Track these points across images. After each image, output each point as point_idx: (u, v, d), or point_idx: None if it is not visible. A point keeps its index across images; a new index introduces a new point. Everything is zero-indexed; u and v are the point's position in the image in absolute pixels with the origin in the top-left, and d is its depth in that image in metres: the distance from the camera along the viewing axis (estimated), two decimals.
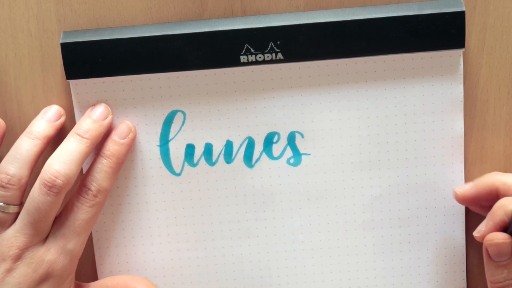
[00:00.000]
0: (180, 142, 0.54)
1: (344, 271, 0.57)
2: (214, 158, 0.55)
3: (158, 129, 0.54)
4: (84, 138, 0.51)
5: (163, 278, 0.57)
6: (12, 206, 0.50)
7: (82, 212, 0.51)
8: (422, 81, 0.53)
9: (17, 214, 0.51)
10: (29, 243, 0.50)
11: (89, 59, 0.52)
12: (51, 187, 0.49)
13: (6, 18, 0.52)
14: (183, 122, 0.54)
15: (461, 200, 0.53)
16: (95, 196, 0.52)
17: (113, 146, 0.53)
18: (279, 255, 0.57)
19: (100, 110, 0.53)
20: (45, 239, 0.51)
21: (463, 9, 0.52)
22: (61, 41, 0.52)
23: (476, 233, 0.51)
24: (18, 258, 0.50)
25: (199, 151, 0.55)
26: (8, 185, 0.50)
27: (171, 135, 0.54)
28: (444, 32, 0.52)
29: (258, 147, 0.55)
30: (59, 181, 0.49)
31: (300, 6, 0.53)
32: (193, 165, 0.55)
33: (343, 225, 0.56)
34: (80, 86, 0.53)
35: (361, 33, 0.52)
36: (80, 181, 0.52)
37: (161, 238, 0.56)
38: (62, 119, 0.53)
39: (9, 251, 0.50)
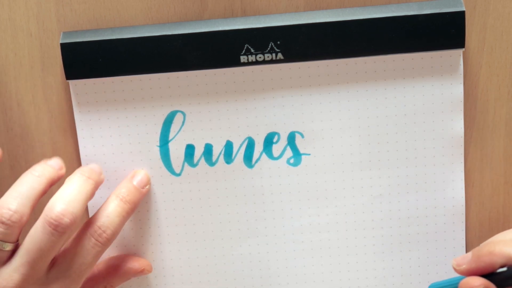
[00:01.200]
0: (180, 142, 0.54)
1: (344, 271, 0.57)
2: (214, 158, 0.55)
3: (158, 129, 0.54)
4: (88, 178, 0.50)
5: (163, 278, 0.57)
6: (9, 243, 0.48)
7: (91, 255, 0.49)
8: (422, 81, 0.53)
9: (12, 252, 0.48)
10: (25, 283, 0.48)
11: (89, 59, 0.52)
12: (56, 226, 0.47)
13: (6, 18, 0.52)
14: (183, 123, 0.54)
15: (460, 273, 0.50)
16: (109, 240, 0.50)
17: (134, 193, 0.52)
18: (279, 255, 0.57)
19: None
20: (45, 277, 0.49)
21: (463, 9, 0.52)
22: (61, 41, 0.52)
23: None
24: None
25: (199, 151, 0.55)
26: (9, 222, 0.47)
27: (171, 136, 0.54)
28: (444, 32, 0.52)
29: (258, 147, 0.55)
30: (66, 220, 0.47)
31: (300, 6, 0.53)
32: (193, 165, 0.55)
33: (343, 225, 0.56)
34: (80, 86, 0.53)
35: (361, 33, 0.52)
36: (92, 221, 0.50)
37: (161, 238, 0.56)
38: (63, 170, 0.52)
39: None
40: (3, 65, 0.53)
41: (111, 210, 0.51)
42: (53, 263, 0.50)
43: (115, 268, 0.55)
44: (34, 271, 0.48)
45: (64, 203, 0.48)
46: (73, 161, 0.55)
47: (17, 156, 0.55)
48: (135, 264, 0.55)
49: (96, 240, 0.50)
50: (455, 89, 0.54)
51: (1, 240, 0.47)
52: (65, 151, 0.55)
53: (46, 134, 0.55)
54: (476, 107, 0.54)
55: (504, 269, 0.47)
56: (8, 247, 0.48)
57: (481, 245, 0.49)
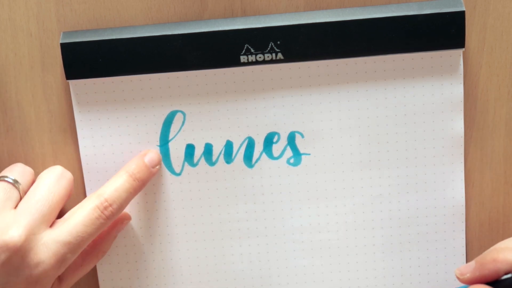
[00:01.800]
0: (180, 142, 0.54)
1: (344, 271, 0.57)
2: (214, 158, 0.55)
3: (158, 129, 0.54)
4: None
5: (163, 278, 0.57)
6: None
7: (94, 228, 0.49)
8: (422, 81, 0.53)
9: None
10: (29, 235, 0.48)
11: (89, 59, 0.52)
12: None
13: (6, 18, 0.52)
14: (183, 122, 0.54)
15: (464, 282, 0.50)
16: (113, 214, 0.50)
17: (144, 171, 0.52)
18: (279, 255, 0.57)
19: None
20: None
21: (463, 9, 0.52)
22: (61, 41, 0.52)
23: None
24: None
25: (199, 151, 0.55)
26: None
27: (171, 135, 0.54)
28: (444, 32, 0.52)
29: (258, 147, 0.55)
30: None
31: (300, 6, 0.53)
32: (193, 165, 0.55)
33: (343, 225, 0.56)
34: (80, 86, 0.53)
35: (361, 33, 0.52)
36: (99, 193, 0.50)
37: (161, 238, 0.56)
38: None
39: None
40: (3, 65, 0.53)
41: (119, 185, 0.51)
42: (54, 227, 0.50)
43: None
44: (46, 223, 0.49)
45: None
46: (73, 161, 0.55)
47: (17, 156, 0.55)
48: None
49: (102, 212, 0.49)
50: (455, 89, 0.54)
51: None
52: (65, 151, 0.55)
53: (46, 134, 0.55)
54: (476, 107, 0.54)
55: (509, 275, 0.47)
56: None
57: (484, 253, 0.49)
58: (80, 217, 0.49)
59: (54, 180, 0.51)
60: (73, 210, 0.51)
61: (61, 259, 0.48)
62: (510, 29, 0.53)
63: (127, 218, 0.55)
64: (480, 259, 0.48)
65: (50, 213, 0.49)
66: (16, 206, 0.49)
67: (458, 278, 0.49)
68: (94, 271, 0.57)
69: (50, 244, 0.48)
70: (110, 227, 0.54)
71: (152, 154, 0.53)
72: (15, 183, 0.50)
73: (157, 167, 0.54)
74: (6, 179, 0.50)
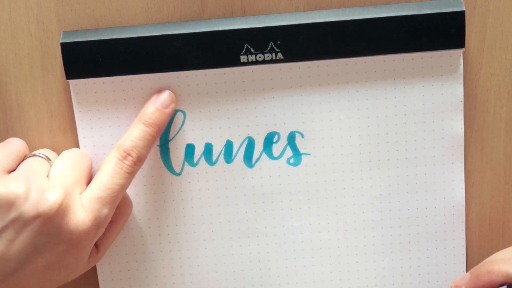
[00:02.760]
0: (180, 142, 0.54)
1: (344, 271, 0.57)
2: (214, 158, 0.55)
3: None
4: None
5: (163, 278, 0.57)
6: None
7: (121, 178, 0.50)
8: (422, 81, 0.53)
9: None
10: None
11: (89, 59, 0.52)
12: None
13: (6, 18, 0.52)
14: (183, 122, 0.54)
15: None
16: (136, 163, 0.51)
17: (156, 115, 0.52)
18: (279, 255, 0.57)
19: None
20: (79, 200, 0.50)
21: (463, 9, 0.52)
22: (61, 41, 0.52)
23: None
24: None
25: (199, 151, 0.55)
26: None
27: (171, 135, 0.54)
28: (444, 32, 0.52)
29: (258, 147, 0.55)
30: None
31: (300, 6, 0.53)
32: (193, 165, 0.55)
33: (343, 225, 0.56)
34: (80, 86, 0.53)
35: (361, 33, 0.52)
36: (118, 146, 0.51)
37: (161, 237, 0.56)
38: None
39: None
40: (3, 65, 0.53)
41: (135, 134, 0.52)
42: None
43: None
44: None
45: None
46: None
47: None
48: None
49: (123, 163, 0.51)
50: (455, 89, 0.54)
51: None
52: None
53: (46, 134, 0.55)
54: (476, 107, 0.54)
55: (504, 287, 0.47)
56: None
57: (478, 265, 0.49)
58: (106, 172, 0.50)
59: (78, 155, 0.53)
60: (98, 169, 0.52)
61: (98, 216, 0.49)
62: (510, 29, 0.53)
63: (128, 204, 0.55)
64: (475, 271, 0.49)
65: (80, 179, 0.51)
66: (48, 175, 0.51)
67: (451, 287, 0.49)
68: (94, 271, 0.57)
69: (85, 203, 0.49)
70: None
71: (163, 95, 0.53)
72: (47, 158, 0.52)
73: (172, 105, 0.53)
74: (39, 154, 0.52)
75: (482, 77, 0.54)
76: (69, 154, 0.52)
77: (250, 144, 0.55)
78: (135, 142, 0.51)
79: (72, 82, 0.53)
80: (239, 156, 0.55)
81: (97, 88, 0.53)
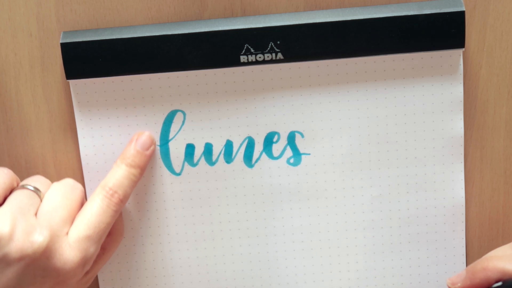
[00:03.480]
0: (180, 142, 0.54)
1: (344, 271, 0.57)
2: (214, 158, 0.55)
3: (158, 129, 0.54)
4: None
5: (163, 278, 0.57)
6: None
7: (107, 216, 0.51)
8: (422, 81, 0.53)
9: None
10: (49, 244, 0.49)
11: (89, 59, 0.52)
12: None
13: (6, 18, 0.52)
14: (183, 122, 0.54)
15: None
16: (121, 201, 0.52)
17: (139, 157, 0.53)
18: (279, 255, 0.57)
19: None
20: (65, 239, 0.50)
21: (463, 9, 0.52)
22: (61, 41, 0.52)
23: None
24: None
25: (199, 151, 0.55)
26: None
27: (171, 135, 0.54)
28: (444, 32, 0.52)
29: (258, 147, 0.55)
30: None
31: (300, 6, 0.53)
32: (193, 165, 0.55)
33: (343, 225, 0.56)
34: (80, 86, 0.53)
35: (361, 33, 0.52)
36: (103, 184, 0.52)
37: (161, 238, 0.56)
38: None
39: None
40: (3, 65, 0.53)
41: (119, 174, 0.52)
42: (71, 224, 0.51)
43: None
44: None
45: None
46: (73, 161, 0.55)
47: (17, 156, 0.55)
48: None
49: (110, 200, 0.51)
50: (455, 89, 0.54)
51: None
52: (65, 151, 0.55)
53: (46, 134, 0.55)
54: (476, 107, 0.54)
55: (499, 283, 0.47)
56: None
57: (474, 262, 0.49)
58: (93, 209, 0.51)
59: (69, 189, 0.52)
60: (83, 206, 0.52)
61: (85, 255, 0.50)
62: (510, 29, 0.53)
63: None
64: (471, 268, 0.49)
65: (69, 217, 0.50)
66: (36, 212, 0.50)
67: (448, 285, 0.50)
68: None
69: (72, 242, 0.49)
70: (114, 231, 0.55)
71: (143, 137, 0.54)
72: (36, 191, 0.51)
73: (151, 147, 0.54)
74: (28, 187, 0.51)
75: (482, 77, 0.54)
76: (60, 188, 0.52)
77: (250, 144, 0.55)
78: (120, 181, 0.52)
79: (72, 82, 0.53)
80: (239, 156, 0.55)
81: (97, 88, 0.53)
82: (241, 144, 0.55)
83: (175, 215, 0.56)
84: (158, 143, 0.55)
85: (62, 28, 0.53)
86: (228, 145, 0.55)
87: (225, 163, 0.55)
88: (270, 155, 0.55)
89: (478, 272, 0.48)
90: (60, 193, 0.51)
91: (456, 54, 0.53)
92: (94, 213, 0.50)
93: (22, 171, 0.55)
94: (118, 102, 0.54)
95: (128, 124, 0.54)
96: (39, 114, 0.54)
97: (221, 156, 0.55)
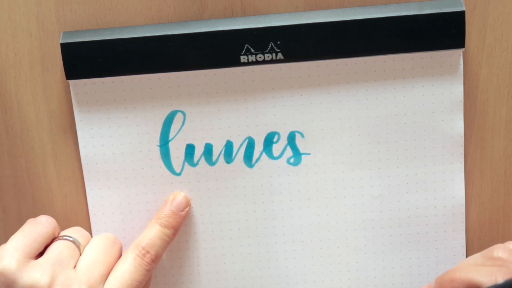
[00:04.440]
0: (180, 142, 0.54)
1: (344, 271, 0.57)
2: (214, 158, 0.55)
3: (158, 129, 0.54)
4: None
5: (163, 278, 0.57)
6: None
7: (139, 274, 0.51)
8: (422, 81, 0.53)
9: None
10: None
11: (89, 59, 0.52)
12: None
13: (6, 18, 0.52)
14: (183, 122, 0.54)
15: None
16: (153, 261, 0.52)
17: (173, 218, 0.53)
18: (279, 255, 0.57)
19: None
20: None
21: (463, 9, 0.52)
22: (61, 41, 0.52)
23: None
24: None
25: (199, 151, 0.55)
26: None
27: (171, 135, 0.54)
28: (444, 32, 0.52)
29: (258, 147, 0.55)
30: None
31: (300, 6, 0.53)
32: (193, 165, 0.55)
33: (343, 225, 0.56)
34: (80, 86, 0.53)
35: (361, 33, 0.52)
36: (136, 243, 0.52)
37: None
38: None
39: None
40: (3, 65, 0.53)
41: (152, 234, 0.53)
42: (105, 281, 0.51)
43: None
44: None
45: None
46: (73, 161, 0.55)
47: (17, 156, 0.55)
48: None
49: (142, 260, 0.51)
50: (455, 89, 0.54)
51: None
52: (65, 151, 0.55)
53: (46, 134, 0.55)
54: (476, 107, 0.54)
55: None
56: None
57: (444, 273, 0.50)
58: (126, 268, 0.51)
59: (109, 245, 0.53)
60: (117, 263, 0.52)
61: None
62: (510, 29, 0.53)
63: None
64: (439, 279, 0.49)
65: (107, 273, 0.51)
66: (75, 265, 0.51)
67: None
68: None
69: None
70: None
71: (179, 198, 0.54)
72: (76, 242, 0.52)
73: (187, 209, 0.55)
74: (69, 238, 0.51)
75: (482, 77, 0.54)
76: (100, 243, 0.52)
77: (250, 144, 0.55)
78: (153, 241, 0.52)
79: (72, 82, 0.53)
80: (239, 156, 0.55)
81: (97, 88, 0.53)
82: (241, 144, 0.55)
83: None
84: (158, 143, 0.55)
85: (62, 28, 0.53)
86: (228, 145, 0.55)
87: (225, 163, 0.55)
88: (270, 155, 0.55)
89: (446, 283, 0.48)
90: (100, 248, 0.52)
91: (456, 54, 0.53)
92: (127, 271, 0.51)
93: (22, 171, 0.55)
94: (118, 102, 0.54)
95: (128, 124, 0.54)
96: (39, 114, 0.54)
97: (221, 156, 0.55)
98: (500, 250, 0.48)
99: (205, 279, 0.57)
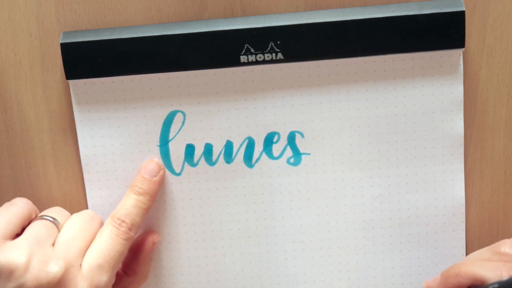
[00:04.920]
0: (180, 142, 0.54)
1: (344, 271, 0.57)
2: (214, 158, 0.55)
3: (158, 129, 0.54)
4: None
5: (163, 278, 0.57)
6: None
7: (117, 244, 0.51)
8: (422, 81, 0.53)
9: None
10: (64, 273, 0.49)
11: (89, 59, 0.52)
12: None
13: (6, 18, 0.52)
14: (183, 122, 0.54)
15: None
16: (130, 229, 0.52)
17: (146, 184, 0.53)
18: (279, 255, 0.57)
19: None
20: (79, 271, 0.50)
21: (463, 9, 0.52)
22: (61, 41, 0.52)
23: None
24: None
25: (199, 151, 0.55)
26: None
27: (171, 135, 0.54)
28: (444, 32, 0.52)
29: (258, 147, 0.55)
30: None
31: (300, 6, 0.53)
32: (193, 165, 0.55)
33: (343, 225, 0.56)
34: (80, 86, 0.53)
35: (361, 33, 0.52)
36: (112, 214, 0.52)
37: (161, 237, 0.56)
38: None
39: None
40: (3, 65, 0.53)
41: (127, 203, 0.53)
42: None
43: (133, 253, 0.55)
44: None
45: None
46: (73, 161, 0.55)
47: (17, 156, 0.55)
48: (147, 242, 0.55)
49: (118, 229, 0.51)
50: (455, 89, 0.54)
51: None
52: (65, 151, 0.55)
53: (46, 134, 0.55)
54: (476, 107, 0.54)
55: (496, 284, 0.47)
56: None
57: (449, 267, 0.50)
58: (103, 239, 0.51)
59: (87, 220, 0.53)
60: (95, 237, 0.52)
61: (97, 284, 0.50)
62: (510, 29, 0.53)
63: (156, 238, 0.55)
64: (445, 273, 0.49)
65: (85, 248, 0.51)
66: (54, 243, 0.51)
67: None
68: None
69: (85, 272, 0.50)
70: (140, 249, 0.55)
71: (150, 165, 0.54)
72: (54, 221, 0.51)
73: (160, 173, 0.54)
74: (46, 217, 0.51)
75: (482, 77, 0.54)
76: (78, 220, 0.52)
77: (250, 144, 0.55)
78: (127, 210, 0.52)
79: (72, 82, 0.53)
80: (239, 156, 0.55)
81: (97, 88, 0.53)
82: (241, 144, 0.55)
83: (175, 215, 0.56)
84: (158, 143, 0.55)
85: (62, 28, 0.53)
86: (228, 145, 0.55)
87: (225, 163, 0.55)
88: (270, 155, 0.55)
89: (451, 277, 0.48)
90: (78, 224, 0.52)
91: (456, 54, 0.53)
92: (104, 242, 0.51)
93: (22, 171, 0.55)
94: (118, 102, 0.54)
95: (128, 125, 0.54)
96: (39, 114, 0.54)
97: (221, 156, 0.55)
98: (507, 246, 0.48)
99: (205, 279, 0.57)
